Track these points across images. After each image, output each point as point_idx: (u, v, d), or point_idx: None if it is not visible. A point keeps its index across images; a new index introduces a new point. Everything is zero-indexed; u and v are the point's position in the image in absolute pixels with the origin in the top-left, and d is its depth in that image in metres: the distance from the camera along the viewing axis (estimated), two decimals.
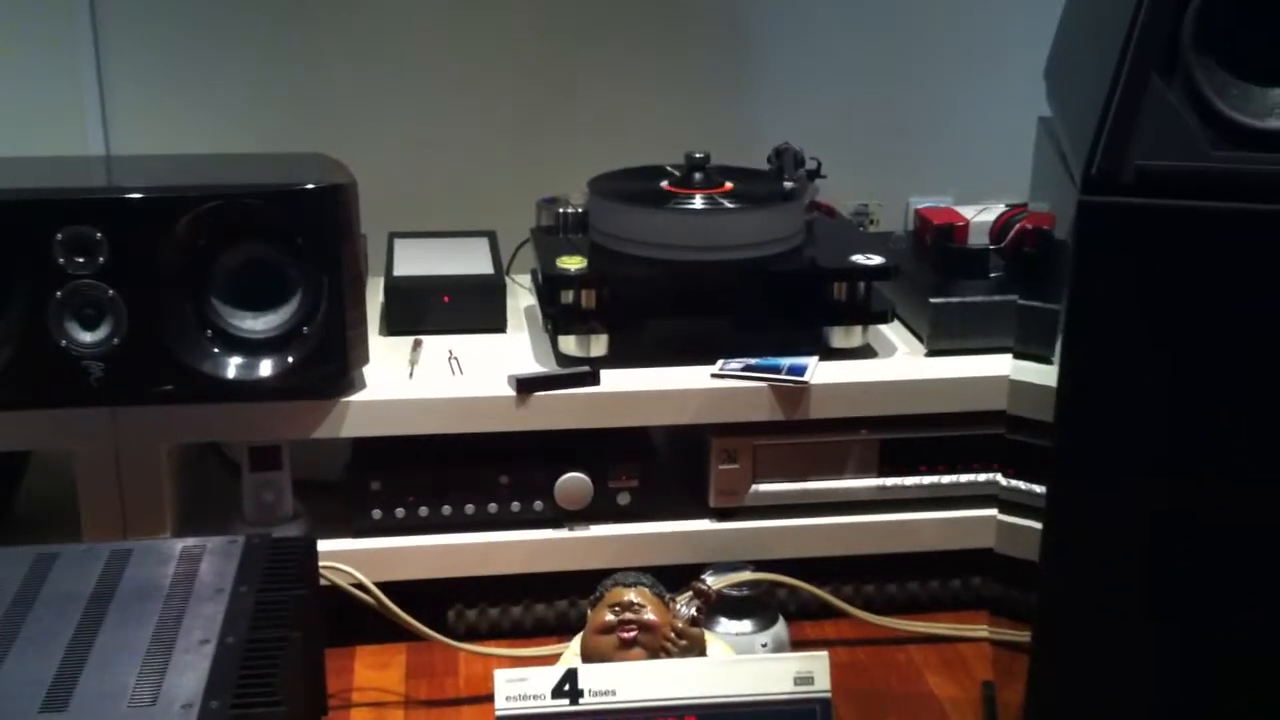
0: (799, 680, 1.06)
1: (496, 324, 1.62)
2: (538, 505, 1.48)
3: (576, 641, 1.17)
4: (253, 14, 1.80)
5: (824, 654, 1.07)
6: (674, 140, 1.69)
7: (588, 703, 1.04)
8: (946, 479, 1.51)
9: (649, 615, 1.13)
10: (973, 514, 1.50)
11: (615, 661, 1.10)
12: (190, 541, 1.24)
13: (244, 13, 1.80)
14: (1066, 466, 1.07)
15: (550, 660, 1.20)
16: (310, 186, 1.36)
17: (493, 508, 1.48)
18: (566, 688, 1.04)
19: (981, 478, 1.51)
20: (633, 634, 1.11)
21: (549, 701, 1.04)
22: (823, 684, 1.06)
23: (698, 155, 1.60)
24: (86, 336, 1.35)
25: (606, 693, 1.04)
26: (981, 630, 1.46)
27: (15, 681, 1.04)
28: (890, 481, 1.51)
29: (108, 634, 1.10)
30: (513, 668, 1.09)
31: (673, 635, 1.12)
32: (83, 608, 1.14)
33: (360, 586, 1.37)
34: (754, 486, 1.50)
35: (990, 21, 1.91)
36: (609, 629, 1.12)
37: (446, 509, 1.47)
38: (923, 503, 1.52)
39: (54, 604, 1.14)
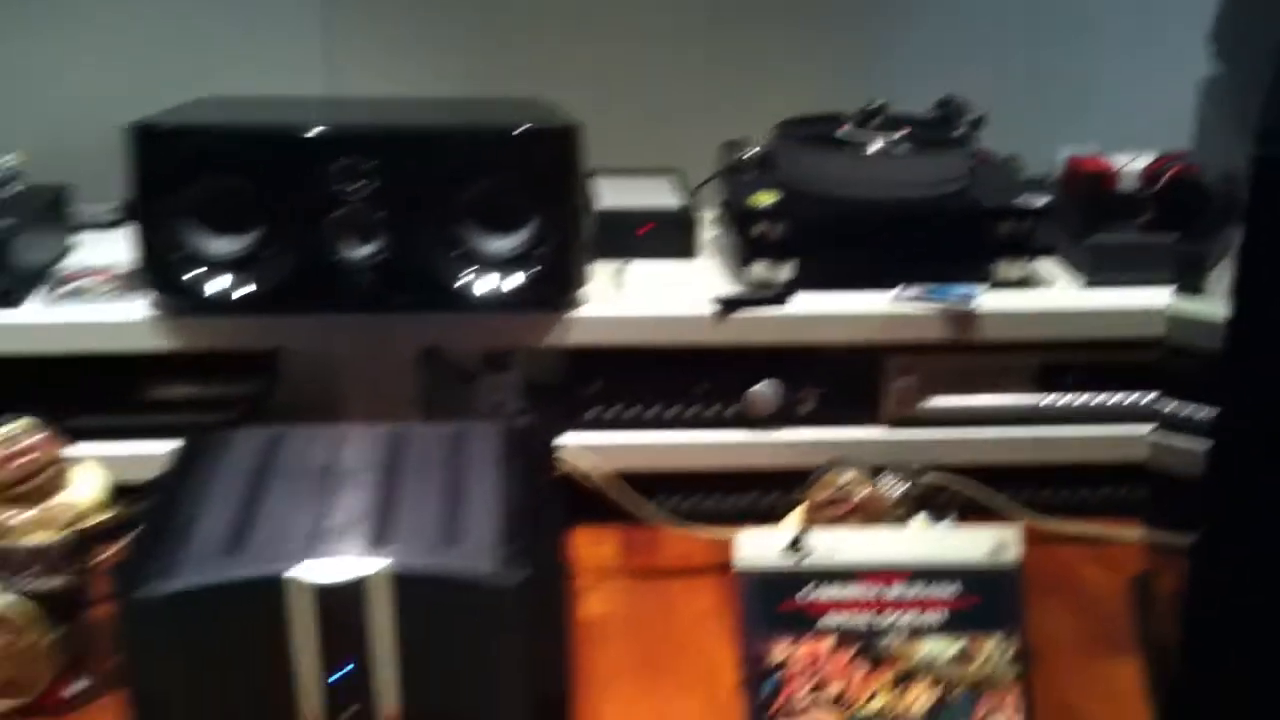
0: (995, 549, 1.25)
1: (688, 252, 1.82)
2: (730, 411, 1.68)
3: (792, 517, 1.36)
4: None
5: (1016, 527, 1.26)
6: (844, 88, 1.87)
7: (814, 561, 1.24)
8: (1103, 397, 1.68)
9: (863, 493, 1.32)
10: (1128, 429, 1.67)
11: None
12: (458, 425, 1.46)
13: None
14: (1232, 394, 1.23)
15: None
16: (549, 126, 1.56)
17: (691, 412, 1.68)
18: (796, 548, 1.24)
19: (1136, 396, 1.68)
20: (848, 509, 1.31)
21: (781, 559, 1.24)
22: (1014, 553, 1.25)
23: (874, 103, 1.78)
24: (356, 253, 1.56)
25: (830, 552, 1.24)
26: (1135, 532, 1.63)
27: (342, 526, 1.26)
28: (1050, 398, 1.69)
29: (406, 496, 1.32)
30: (740, 533, 1.28)
31: (882, 511, 1.31)
32: (380, 476, 1.36)
33: (586, 476, 1.58)
34: (924, 401, 1.68)
35: None
36: (827, 504, 1.32)
37: (652, 411, 1.67)
38: (1080, 417, 1.69)
39: (354, 473, 1.36)
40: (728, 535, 1.56)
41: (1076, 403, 1.69)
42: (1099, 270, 1.71)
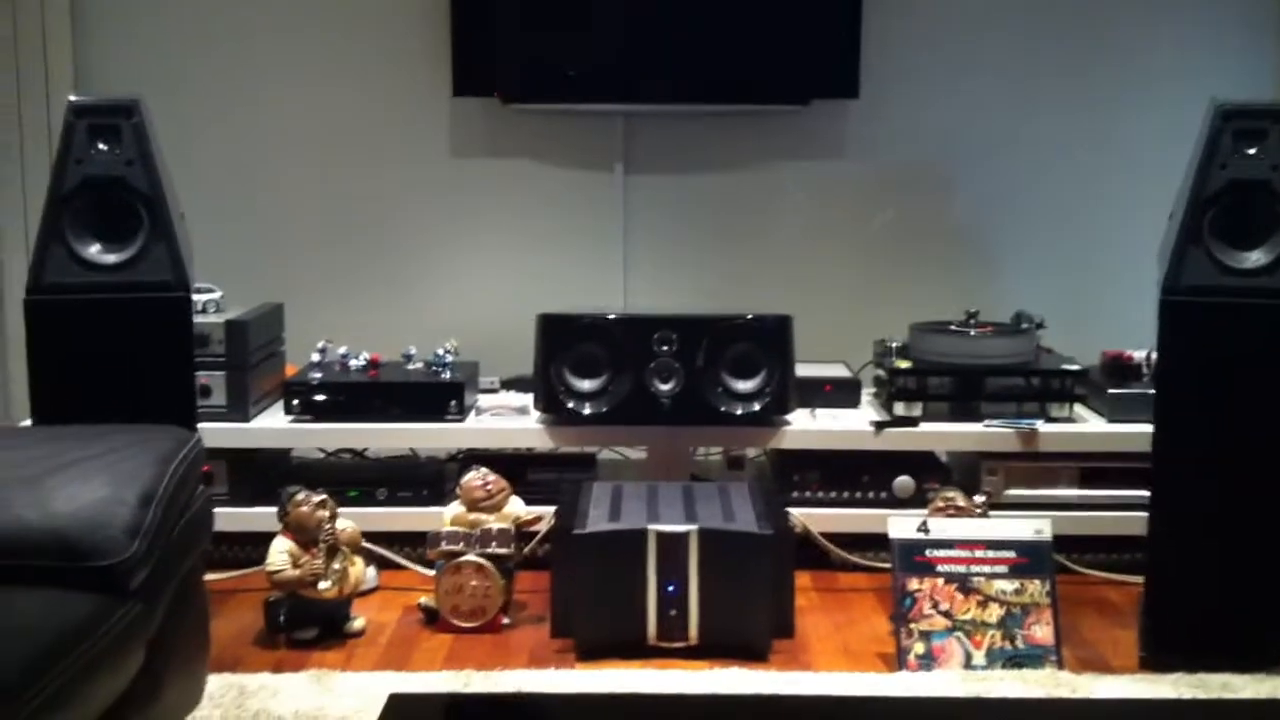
0: (1036, 530, 2.24)
1: (854, 403, 2.88)
2: (883, 494, 2.71)
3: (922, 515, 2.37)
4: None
5: (1048, 519, 2.25)
6: (951, 305, 2.96)
7: (935, 535, 2.24)
8: (1117, 491, 2.67)
9: (961, 503, 2.34)
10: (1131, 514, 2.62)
11: None
12: (720, 482, 2.52)
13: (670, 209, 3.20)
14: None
15: None
16: (777, 315, 2.68)
17: (857, 494, 2.71)
18: (924, 528, 2.24)
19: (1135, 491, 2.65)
20: (952, 511, 2.33)
21: (915, 534, 2.24)
22: (1049, 534, 2.24)
23: (971, 310, 2.86)
24: (664, 388, 2.67)
25: (940, 532, 2.24)
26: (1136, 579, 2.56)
27: (667, 512, 2.32)
28: (1089, 491, 2.68)
29: (698, 502, 2.38)
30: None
31: (975, 513, 2.32)
32: (682, 494, 2.42)
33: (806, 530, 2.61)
34: (1006, 491, 2.69)
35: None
36: (939, 510, 2.34)
37: (836, 494, 2.71)
38: (1103, 505, 2.68)
39: (667, 494, 2.43)
40: (884, 564, 2.56)
41: (1114, 493, 2.68)
42: (1118, 412, 2.73)
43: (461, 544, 2.40)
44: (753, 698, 2.11)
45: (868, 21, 3.13)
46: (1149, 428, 2.29)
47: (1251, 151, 2.19)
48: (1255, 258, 2.20)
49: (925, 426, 2.72)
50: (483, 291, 3.25)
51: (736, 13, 3.12)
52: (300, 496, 2.34)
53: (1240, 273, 2.19)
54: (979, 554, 2.25)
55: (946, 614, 2.23)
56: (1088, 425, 2.74)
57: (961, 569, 2.25)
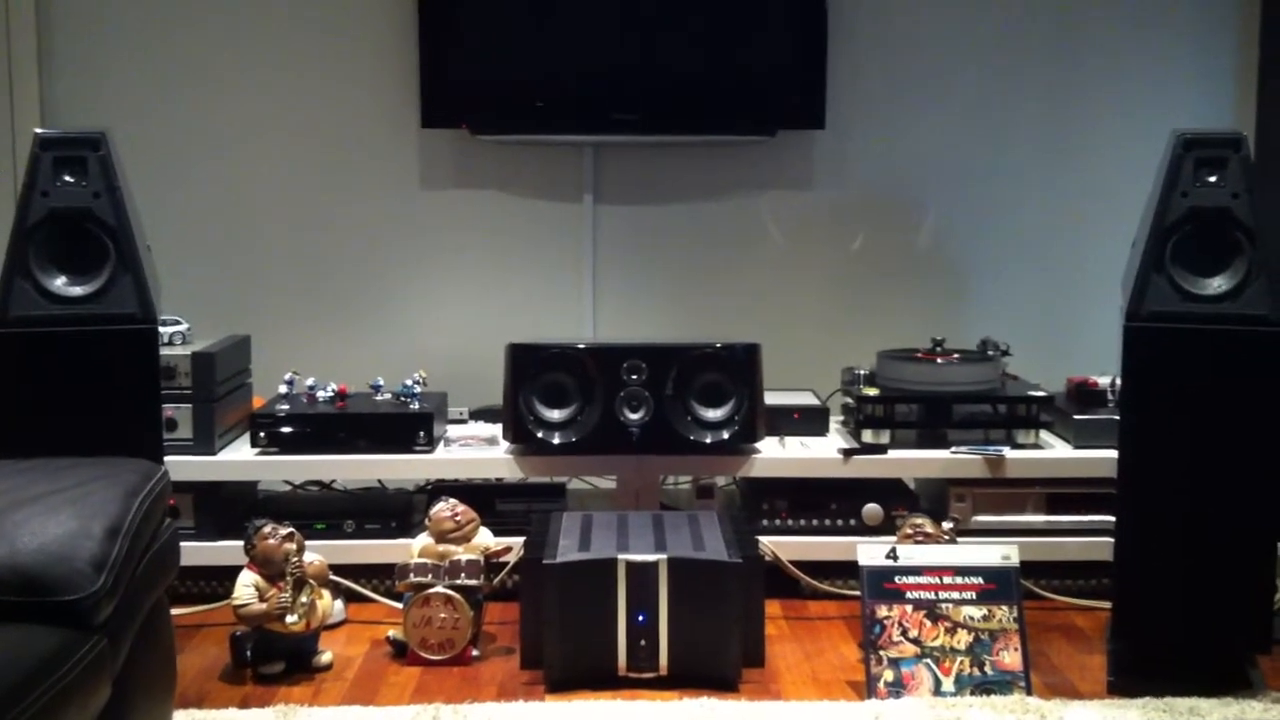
0: (1004, 557, 2.25)
1: (823, 431, 2.89)
2: (852, 521, 2.72)
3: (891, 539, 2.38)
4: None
5: (1015, 545, 2.26)
6: (918, 332, 2.98)
7: (903, 562, 2.25)
8: (1083, 517, 2.69)
9: (929, 529, 2.34)
10: (1099, 539, 2.65)
11: None
12: (690, 511, 2.52)
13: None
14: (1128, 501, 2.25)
15: None
16: (745, 344, 2.69)
17: (826, 522, 2.72)
18: (893, 555, 2.25)
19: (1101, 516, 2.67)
20: (920, 538, 2.33)
21: (884, 561, 2.25)
22: (1015, 560, 2.25)
23: (938, 337, 2.88)
24: (633, 418, 2.67)
25: (909, 559, 2.25)
26: (1103, 602, 2.57)
27: (637, 542, 2.32)
28: (1056, 516, 2.70)
29: (668, 530, 2.38)
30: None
31: (943, 539, 2.32)
32: (651, 523, 2.42)
33: (776, 558, 2.61)
34: (974, 517, 2.70)
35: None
36: (908, 536, 2.34)
37: (805, 522, 2.71)
38: (1069, 530, 2.69)
39: (637, 522, 2.43)
40: (853, 592, 2.57)
41: (1077, 520, 2.70)
42: (1083, 437, 2.74)
43: (430, 576, 2.39)
44: None
45: (833, 53, 3.17)
46: (1114, 453, 2.32)
47: (1212, 179, 2.23)
48: (1217, 284, 2.23)
49: (893, 454, 2.73)
50: (451, 322, 3.25)
51: (703, 45, 3.15)
52: (267, 529, 2.32)
53: (1203, 299, 2.22)
54: (947, 580, 2.26)
55: (915, 641, 2.23)
56: (1054, 451, 2.77)
57: (930, 595, 2.25)
